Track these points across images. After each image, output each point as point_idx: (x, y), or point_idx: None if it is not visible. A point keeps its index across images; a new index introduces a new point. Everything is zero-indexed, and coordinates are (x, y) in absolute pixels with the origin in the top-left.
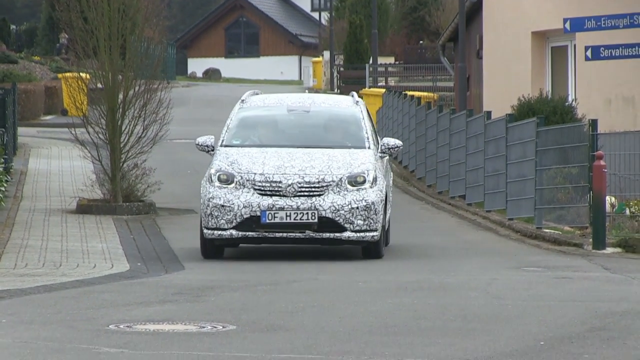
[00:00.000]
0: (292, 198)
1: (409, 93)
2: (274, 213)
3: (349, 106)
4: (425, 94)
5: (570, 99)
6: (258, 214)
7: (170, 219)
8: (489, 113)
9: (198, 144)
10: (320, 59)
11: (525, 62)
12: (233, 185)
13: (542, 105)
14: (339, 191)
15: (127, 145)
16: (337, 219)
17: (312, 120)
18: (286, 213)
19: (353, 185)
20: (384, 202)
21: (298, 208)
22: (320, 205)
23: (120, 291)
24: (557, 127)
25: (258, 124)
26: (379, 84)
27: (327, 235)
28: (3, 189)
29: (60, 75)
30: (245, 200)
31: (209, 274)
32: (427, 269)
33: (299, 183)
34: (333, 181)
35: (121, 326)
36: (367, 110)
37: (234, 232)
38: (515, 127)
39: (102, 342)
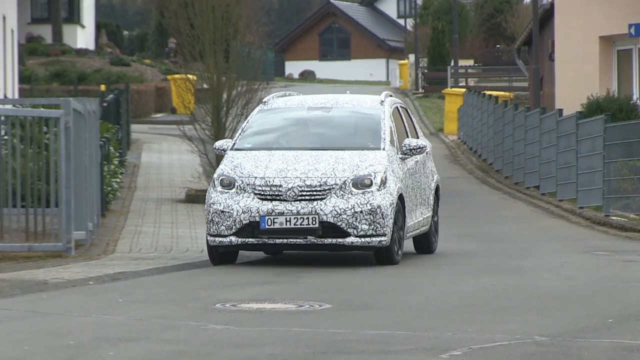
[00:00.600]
0: (292, 202)
1: (487, 92)
2: (274, 218)
3: (372, 106)
4: (502, 93)
5: (634, 97)
6: (257, 219)
7: None
8: (560, 111)
9: (215, 148)
10: (406, 61)
11: (593, 64)
12: (234, 190)
13: (609, 103)
14: (342, 195)
15: None
16: (339, 223)
17: (330, 121)
18: (286, 218)
19: (358, 188)
20: (394, 205)
21: (298, 213)
22: (321, 210)
23: (226, 273)
24: (623, 124)
25: (273, 127)
26: (460, 84)
27: (329, 241)
28: (118, 180)
29: (169, 77)
30: (244, 206)
31: (309, 256)
32: (504, 253)
33: (300, 187)
34: (336, 184)
35: (227, 305)
36: (400, 110)
37: (233, 238)
38: (585, 123)
39: (210, 319)
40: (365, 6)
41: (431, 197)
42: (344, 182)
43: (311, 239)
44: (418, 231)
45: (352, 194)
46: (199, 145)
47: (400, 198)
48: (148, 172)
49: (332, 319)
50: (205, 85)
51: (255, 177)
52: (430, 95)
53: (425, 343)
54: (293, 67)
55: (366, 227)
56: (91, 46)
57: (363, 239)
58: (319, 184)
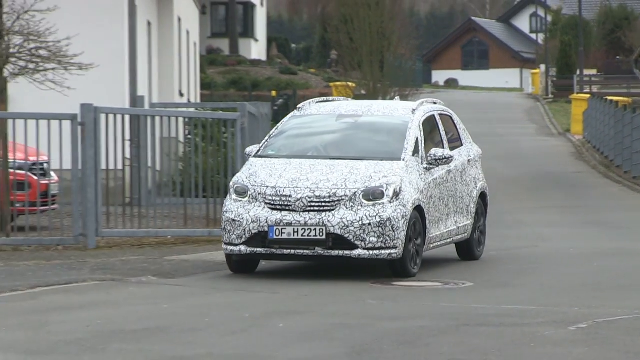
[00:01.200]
0: (301, 213)
1: (609, 98)
2: (282, 229)
3: (402, 115)
4: (621, 98)
5: None
6: (266, 229)
7: None
8: None
9: (246, 153)
10: (537, 70)
11: None
12: (247, 198)
13: None
14: (352, 206)
15: None
16: (346, 235)
17: (356, 129)
18: (294, 229)
19: (369, 200)
20: (406, 218)
21: (306, 224)
22: (329, 221)
23: None
24: None
25: (300, 134)
26: (584, 91)
27: (336, 252)
28: None
29: (331, 84)
30: (254, 215)
31: None
32: (625, 237)
33: (309, 197)
34: (346, 195)
35: (382, 282)
36: (437, 119)
37: (243, 247)
38: None
39: (367, 295)
40: (502, 22)
41: (472, 205)
42: (354, 194)
43: (318, 250)
44: (449, 240)
45: (362, 205)
46: None
47: (419, 209)
48: None
49: (474, 295)
50: (362, 91)
51: (267, 187)
52: (558, 100)
53: (554, 317)
54: (439, 76)
55: (375, 239)
56: (263, 57)
57: (371, 252)
58: (328, 195)
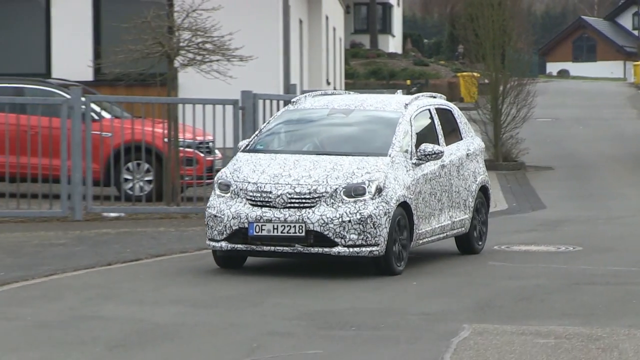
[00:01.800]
0: (281, 210)
1: None
2: (262, 225)
3: (394, 109)
4: None
5: None
6: (246, 225)
7: (535, 173)
8: None
9: (239, 147)
10: (638, 62)
11: None
12: (229, 194)
13: None
14: (332, 203)
15: (505, 122)
16: (326, 232)
17: (347, 124)
18: (273, 225)
19: (351, 197)
20: (389, 215)
21: (285, 220)
22: (308, 218)
23: (501, 223)
24: None
25: (291, 128)
26: None
27: (315, 250)
28: None
29: (458, 74)
30: (234, 211)
31: (564, 210)
32: None
33: (289, 194)
34: (326, 192)
35: (502, 247)
36: (432, 113)
37: (224, 244)
38: None
39: (490, 257)
40: (608, 20)
41: (470, 199)
42: (335, 190)
43: (298, 247)
44: (442, 235)
45: (342, 202)
46: (481, 126)
47: (405, 205)
48: None
49: (583, 258)
50: (486, 81)
51: (249, 182)
52: None
53: None
54: (552, 67)
55: (355, 236)
56: (399, 51)
57: (351, 249)
58: (308, 191)
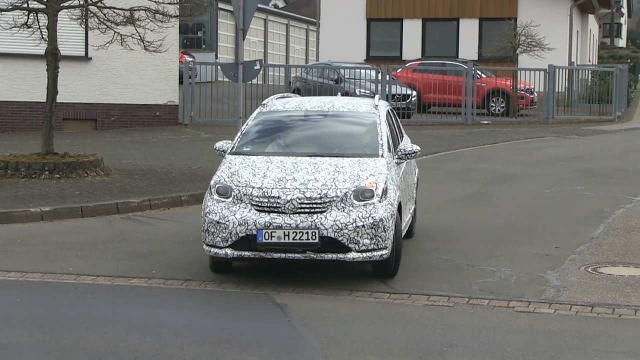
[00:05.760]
0: (291, 215)
1: None
2: (271, 232)
3: (367, 111)
4: None
5: None
6: (254, 232)
7: None
8: None
9: (215, 149)
10: None
11: None
12: (230, 199)
13: None
14: (343, 207)
15: None
16: (340, 238)
17: (328, 126)
18: (284, 232)
19: (360, 200)
20: (395, 216)
21: (297, 227)
22: (321, 224)
23: None
24: None
25: (272, 130)
26: None
27: (329, 256)
28: None
29: None
30: (241, 218)
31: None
32: None
33: (299, 199)
34: (337, 196)
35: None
36: (391, 114)
37: (229, 251)
38: None
39: None
40: None
41: (414, 191)
42: (345, 194)
43: (310, 254)
44: (406, 230)
45: (353, 206)
46: None
47: (398, 206)
48: None
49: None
50: None
51: (253, 187)
52: None
53: None
54: None
55: (367, 241)
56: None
57: (364, 254)
58: (319, 196)
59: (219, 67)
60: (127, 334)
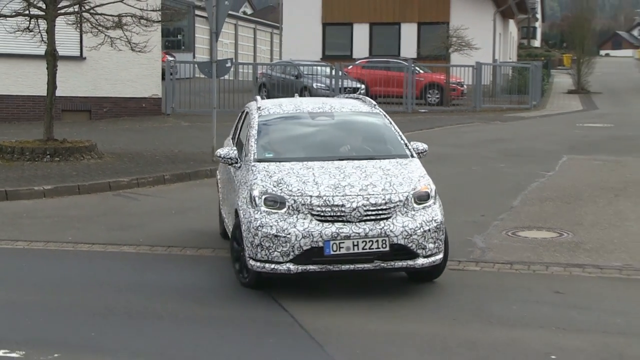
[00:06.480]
0: (357, 224)
1: None
2: (339, 243)
3: (370, 111)
4: None
5: None
6: (320, 244)
7: (594, 95)
8: None
9: (220, 156)
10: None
11: None
12: (285, 210)
13: None
14: (406, 212)
15: (582, 74)
16: (409, 245)
17: (342, 127)
18: (353, 242)
19: (419, 203)
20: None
21: (366, 235)
22: (391, 231)
23: (579, 116)
24: None
25: (285, 134)
26: None
27: (399, 264)
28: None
29: (564, 55)
30: (304, 229)
31: (607, 109)
32: None
33: (365, 206)
34: (400, 201)
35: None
36: (383, 112)
37: (291, 266)
38: None
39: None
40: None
41: None
42: (407, 198)
43: (380, 263)
44: None
45: (414, 210)
46: (573, 76)
47: None
48: None
49: (614, 130)
50: (574, 57)
51: (311, 196)
52: None
53: None
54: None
55: (432, 245)
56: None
57: (429, 259)
58: (384, 201)
59: (196, 65)
60: (119, 293)
